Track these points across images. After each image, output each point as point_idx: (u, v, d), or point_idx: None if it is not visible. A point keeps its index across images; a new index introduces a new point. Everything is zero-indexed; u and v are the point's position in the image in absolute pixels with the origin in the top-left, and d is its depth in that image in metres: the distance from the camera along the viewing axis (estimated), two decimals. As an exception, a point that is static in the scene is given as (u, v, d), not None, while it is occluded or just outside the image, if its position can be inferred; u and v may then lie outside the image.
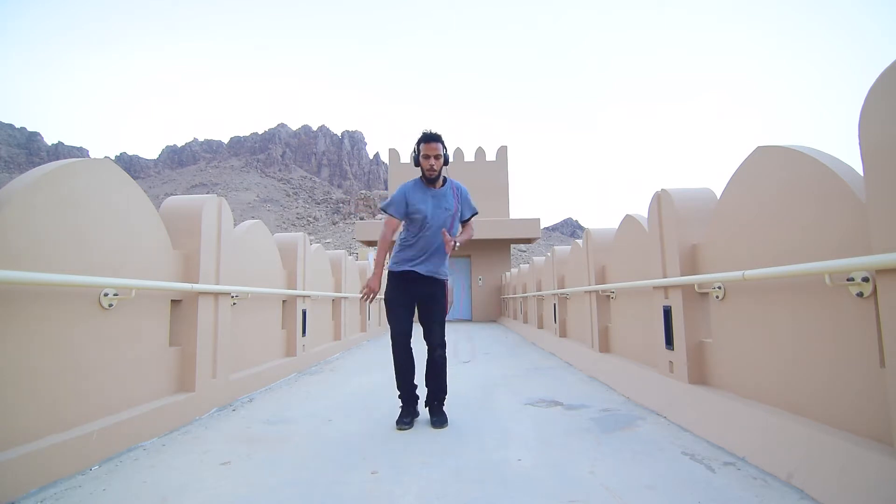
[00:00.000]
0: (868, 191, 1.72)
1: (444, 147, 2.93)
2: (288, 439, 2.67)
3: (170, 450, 2.50)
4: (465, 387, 4.18)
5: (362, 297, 2.97)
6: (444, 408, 3.03)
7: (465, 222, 3.14)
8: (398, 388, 3.02)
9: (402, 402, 3.01)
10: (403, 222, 3.03)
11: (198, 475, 2.14)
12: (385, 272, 3.11)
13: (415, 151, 2.95)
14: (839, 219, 1.98)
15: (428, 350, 3.04)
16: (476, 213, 3.16)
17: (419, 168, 2.96)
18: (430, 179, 2.94)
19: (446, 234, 2.81)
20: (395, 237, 3.06)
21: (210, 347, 3.42)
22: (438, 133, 2.90)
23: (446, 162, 2.96)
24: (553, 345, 6.81)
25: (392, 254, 3.11)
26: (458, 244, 2.86)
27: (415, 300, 3.03)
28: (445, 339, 3.08)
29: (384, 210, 2.99)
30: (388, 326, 3.06)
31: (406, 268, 2.99)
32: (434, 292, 3.03)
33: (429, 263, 2.98)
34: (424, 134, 2.89)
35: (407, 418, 2.91)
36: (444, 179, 3.02)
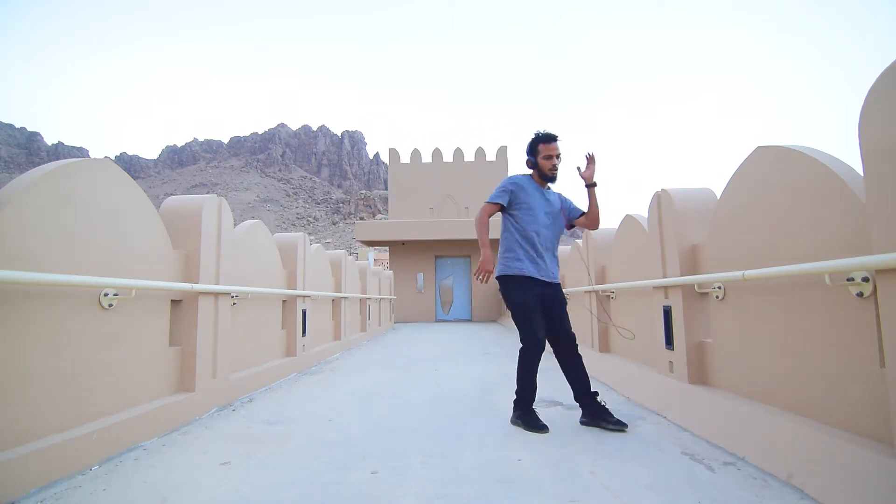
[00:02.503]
0: (868, 191, 1.72)
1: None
2: (288, 439, 2.67)
3: (170, 450, 2.50)
4: (465, 387, 4.19)
5: (480, 278, 2.87)
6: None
7: (579, 217, 3.10)
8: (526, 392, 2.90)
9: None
10: (509, 220, 2.99)
11: (198, 475, 2.14)
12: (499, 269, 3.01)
13: (528, 154, 2.97)
14: (839, 219, 1.98)
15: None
16: (583, 213, 3.09)
17: (534, 169, 2.99)
18: (550, 180, 2.99)
19: (590, 162, 2.89)
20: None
21: (210, 347, 3.42)
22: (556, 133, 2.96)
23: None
24: (553, 345, 6.81)
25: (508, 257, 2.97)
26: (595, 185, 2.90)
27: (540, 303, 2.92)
28: (519, 335, 2.93)
29: (492, 200, 2.97)
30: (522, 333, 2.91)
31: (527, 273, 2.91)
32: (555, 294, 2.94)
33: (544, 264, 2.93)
34: (545, 134, 2.93)
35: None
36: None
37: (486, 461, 2.27)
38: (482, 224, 2.98)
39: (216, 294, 3.52)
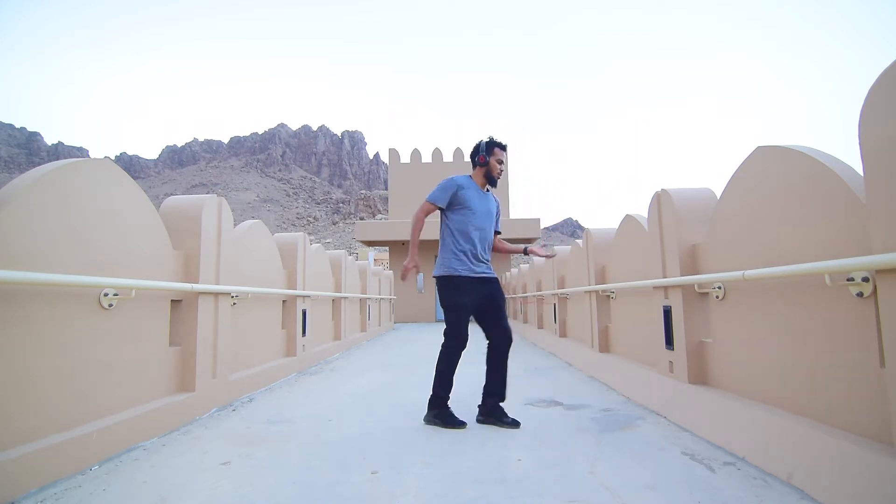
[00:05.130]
0: (868, 191, 1.72)
1: None
2: (288, 439, 2.67)
3: (170, 450, 2.50)
4: (465, 386, 4.18)
5: (402, 276, 3.02)
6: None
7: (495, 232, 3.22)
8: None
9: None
10: (447, 220, 3.06)
11: (198, 475, 2.14)
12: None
13: (483, 151, 3.06)
14: (839, 219, 1.98)
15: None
16: (499, 233, 3.26)
17: (478, 167, 3.10)
18: (494, 183, 3.12)
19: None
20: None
21: (210, 347, 3.42)
22: None
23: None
24: (553, 345, 6.81)
25: (446, 257, 3.02)
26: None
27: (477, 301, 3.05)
28: (446, 331, 3.05)
29: (431, 200, 3.04)
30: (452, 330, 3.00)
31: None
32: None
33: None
34: (501, 142, 3.09)
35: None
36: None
37: (486, 461, 2.27)
38: (418, 223, 3.06)
39: (216, 294, 3.52)
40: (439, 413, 2.94)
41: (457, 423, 2.86)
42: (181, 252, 3.29)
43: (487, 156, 3.05)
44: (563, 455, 2.33)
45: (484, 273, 3.03)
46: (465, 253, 2.97)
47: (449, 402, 3.00)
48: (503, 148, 3.08)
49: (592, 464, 2.20)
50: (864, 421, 1.86)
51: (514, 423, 2.85)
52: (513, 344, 3.15)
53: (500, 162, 3.07)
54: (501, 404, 2.99)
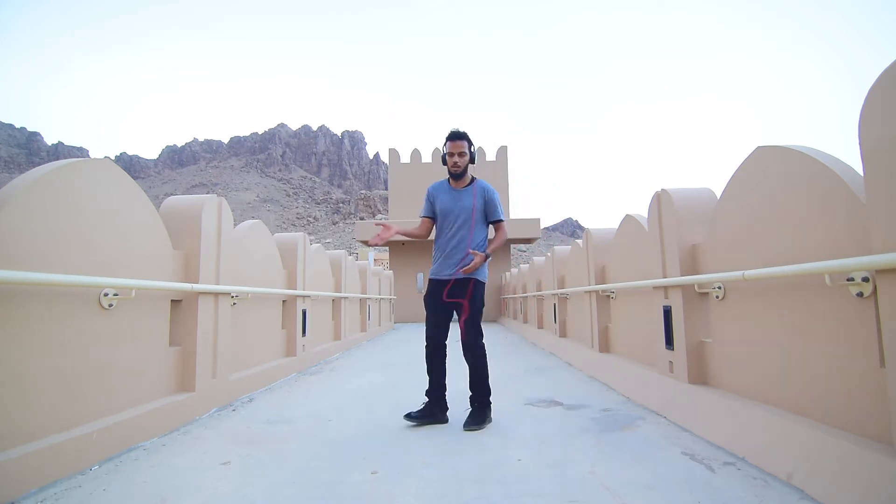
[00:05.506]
0: (868, 191, 1.72)
1: (471, 145, 3.03)
2: (288, 439, 2.67)
3: (170, 450, 2.50)
4: (464, 387, 4.18)
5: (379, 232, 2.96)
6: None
7: (493, 224, 3.12)
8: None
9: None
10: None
11: (198, 475, 2.14)
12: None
13: (443, 150, 3.05)
14: (839, 219, 1.98)
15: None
16: (501, 220, 3.11)
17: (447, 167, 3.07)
18: (454, 177, 3.03)
19: (470, 251, 2.95)
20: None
21: (210, 347, 3.42)
22: (464, 132, 3.01)
23: (472, 160, 3.05)
24: (553, 345, 6.81)
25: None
26: (489, 256, 2.99)
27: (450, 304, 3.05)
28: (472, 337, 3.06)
29: (420, 215, 3.20)
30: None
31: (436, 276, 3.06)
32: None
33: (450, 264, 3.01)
34: (450, 132, 3.01)
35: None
36: (472, 179, 3.11)
37: (486, 461, 2.27)
38: (420, 235, 3.20)
39: (216, 294, 3.52)
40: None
41: (410, 416, 2.92)
42: (181, 252, 3.29)
43: (444, 152, 3.03)
44: (563, 455, 2.33)
45: (447, 276, 2.98)
46: (435, 257, 3.09)
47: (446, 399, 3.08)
48: (452, 137, 2.96)
49: (592, 464, 2.20)
50: (864, 421, 1.86)
51: (470, 425, 2.82)
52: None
53: (451, 154, 2.95)
54: (490, 406, 3.06)
